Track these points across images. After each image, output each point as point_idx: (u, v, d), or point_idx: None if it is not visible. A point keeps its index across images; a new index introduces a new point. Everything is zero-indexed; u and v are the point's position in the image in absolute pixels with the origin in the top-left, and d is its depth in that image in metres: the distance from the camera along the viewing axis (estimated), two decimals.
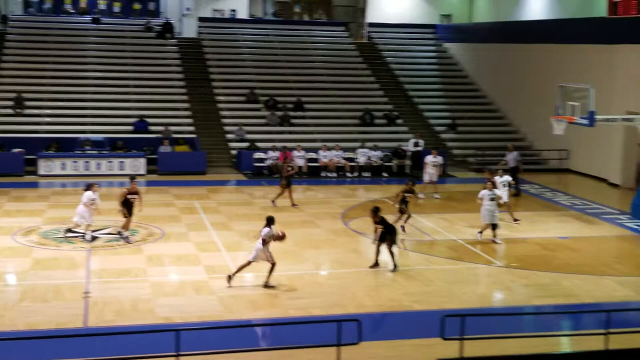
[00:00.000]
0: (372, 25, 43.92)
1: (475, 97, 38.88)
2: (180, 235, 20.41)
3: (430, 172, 26.41)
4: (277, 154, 30.45)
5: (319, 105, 35.94)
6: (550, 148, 32.07)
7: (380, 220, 17.57)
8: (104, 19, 39.89)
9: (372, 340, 13.09)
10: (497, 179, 22.88)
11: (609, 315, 12.31)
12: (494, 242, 20.12)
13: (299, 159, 30.34)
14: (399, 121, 35.41)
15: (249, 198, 26.41)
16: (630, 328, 13.78)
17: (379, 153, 31.36)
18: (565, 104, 23.37)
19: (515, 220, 22.43)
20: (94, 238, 19.55)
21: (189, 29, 41.17)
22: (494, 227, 20.28)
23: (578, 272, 17.90)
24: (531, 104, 34.13)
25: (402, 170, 31.33)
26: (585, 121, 22.36)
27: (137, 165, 29.63)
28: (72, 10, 41.02)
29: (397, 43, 42.73)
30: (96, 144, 30.32)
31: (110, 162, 29.61)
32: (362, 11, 45.17)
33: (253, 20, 43.31)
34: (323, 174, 30.67)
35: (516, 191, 26.44)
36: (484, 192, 20.29)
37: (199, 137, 32.17)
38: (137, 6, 41.88)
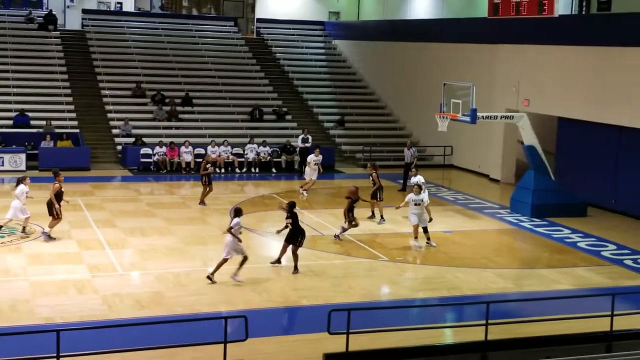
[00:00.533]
0: (261, 21, 43.92)
1: (363, 93, 39.39)
2: (63, 233, 19.82)
3: (312, 169, 26.29)
4: (164, 149, 30.02)
5: (208, 101, 35.64)
6: (435, 144, 32.85)
7: (291, 216, 17.39)
8: None
9: (259, 337, 13.07)
10: (413, 179, 22.81)
11: (488, 307, 12.69)
12: (428, 244, 19.77)
13: (187, 154, 30.01)
14: (288, 117, 35.51)
15: (134, 194, 25.92)
16: (509, 319, 14.30)
17: (267, 149, 31.36)
18: (449, 102, 23.94)
19: (381, 217, 22.39)
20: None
21: (72, 21, 40.05)
22: (425, 230, 19.91)
23: (460, 265, 18.42)
24: (417, 101, 34.85)
25: (291, 166, 31.42)
26: (467, 118, 22.96)
27: (17, 161, 28.63)
28: None
29: (286, 39, 42.89)
30: None
31: None
32: (251, 7, 45.09)
33: (140, 13, 42.53)
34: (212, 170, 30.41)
35: (402, 187, 26.98)
36: (410, 196, 19.85)
37: (82, 132, 31.37)
38: None
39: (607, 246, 20.76)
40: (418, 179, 22.17)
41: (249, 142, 31.34)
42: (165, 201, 25.07)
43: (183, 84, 36.14)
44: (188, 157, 30.01)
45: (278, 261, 17.61)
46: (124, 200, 24.86)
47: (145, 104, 34.46)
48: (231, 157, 30.73)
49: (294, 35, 43.33)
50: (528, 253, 20.64)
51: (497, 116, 24.56)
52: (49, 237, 19.04)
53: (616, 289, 16.24)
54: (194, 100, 34.99)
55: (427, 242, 19.89)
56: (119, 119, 32.83)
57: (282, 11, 44.13)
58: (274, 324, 14.65)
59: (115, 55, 37.38)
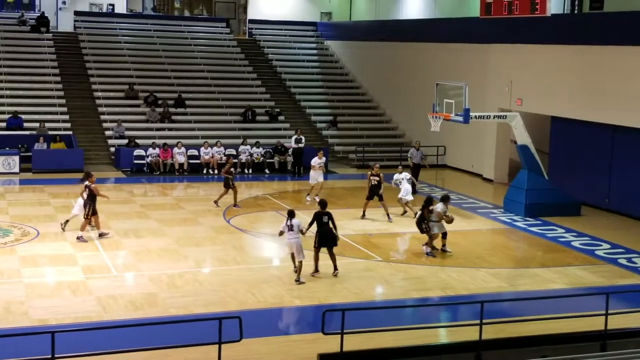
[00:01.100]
0: (253, 22, 43.92)
1: (356, 94, 39.42)
2: (57, 235, 19.81)
3: (316, 172, 25.96)
4: (157, 150, 29.99)
5: (200, 102, 35.62)
6: (428, 144, 32.85)
7: (312, 221, 17.37)
8: None
9: (254, 337, 13.07)
10: (397, 175, 23.12)
11: (482, 306, 12.70)
12: (443, 251, 19.49)
13: (180, 155, 29.98)
14: (281, 118, 35.50)
15: (128, 196, 25.89)
16: (503, 318, 14.32)
17: (260, 150, 31.34)
18: (441, 102, 23.96)
19: (389, 217, 22.70)
20: None
21: (65, 23, 39.99)
22: (444, 235, 19.53)
23: (454, 265, 18.45)
24: (410, 101, 34.88)
25: (284, 167, 31.41)
26: (460, 118, 22.98)
27: (10, 163, 28.54)
28: None
29: (279, 40, 42.90)
30: None
31: None
32: (243, 8, 45.08)
33: (132, 15, 42.47)
34: (204, 171, 30.42)
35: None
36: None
37: (76, 134, 31.30)
38: None
39: (600, 245, 20.80)
40: (404, 175, 23.25)
41: (242, 143, 31.32)
42: (159, 202, 25.03)
43: (176, 86, 36.10)
44: (181, 159, 29.98)
45: (315, 270, 17.18)
46: (117, 201, 24.80)
47: (138, 106, 34.41)
48: (224, 158, 30.62)
49: (286, 36, 43.35)
50: (522, 252, 20.68)
51: (490, 116, 24.58)
52: (82, 239, 19.22)
53: (610, 288, 16.25)
54: (187, 102, 34.96)
55: (442, 248, 19.45)
56: (111, 121, 32.78)
57: (274, 12, 44.14)
58: (268, 325, 14.63)
59: (107, 57, 37.33)
